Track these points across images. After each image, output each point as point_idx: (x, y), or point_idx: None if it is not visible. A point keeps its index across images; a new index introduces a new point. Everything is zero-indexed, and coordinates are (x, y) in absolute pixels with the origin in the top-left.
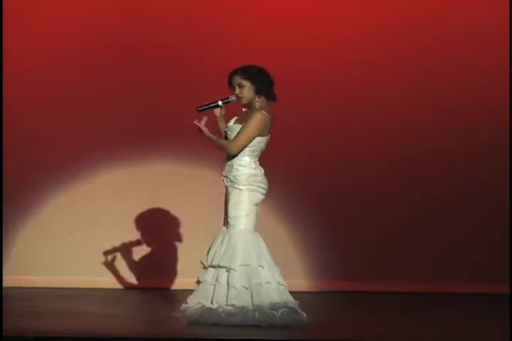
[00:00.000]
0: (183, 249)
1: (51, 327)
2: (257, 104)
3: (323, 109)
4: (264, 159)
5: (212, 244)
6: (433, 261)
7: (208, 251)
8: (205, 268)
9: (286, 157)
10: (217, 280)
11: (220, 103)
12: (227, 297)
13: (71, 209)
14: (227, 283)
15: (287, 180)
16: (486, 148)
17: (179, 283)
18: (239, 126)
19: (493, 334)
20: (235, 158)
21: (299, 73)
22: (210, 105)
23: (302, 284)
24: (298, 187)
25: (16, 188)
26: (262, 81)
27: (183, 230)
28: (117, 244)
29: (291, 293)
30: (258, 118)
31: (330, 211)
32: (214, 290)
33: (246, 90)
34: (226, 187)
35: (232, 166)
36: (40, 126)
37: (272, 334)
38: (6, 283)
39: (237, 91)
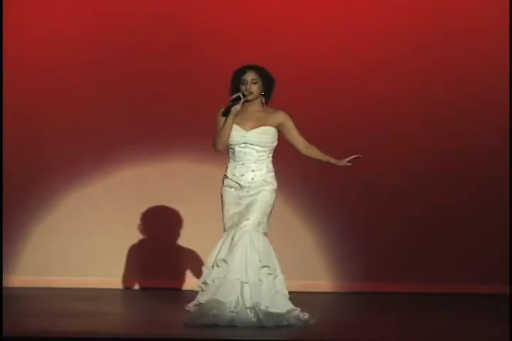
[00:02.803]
0: (198, 249)
1: (52, 328)
2: (262, 104)
3: (334, 109)
4: (286, 158)
5: (222, 244)
6: (433, 261)
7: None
8: (216, 266)
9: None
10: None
11: (241, 95)
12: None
13: (84, 210)
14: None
15: (309, 180)
16: (489, 151)
17: (191, 283)
18: (264, 128)
19: (493, 335)
20: (259, 161)
21: (304, 73)
22: (235, 102)
23: (324, 285)
24: (319, 187)
25: (31, 188)
26: (271, 83)
27: (199, 230)
28: (130, 244)
29: (314, 293)
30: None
31: (351, 211)
32: (252, 288)
33: (257, 87)
34: (245, 191)
35: (257, 170)
36: (56, 126)
37: (278, 335)
38: (14, 284)
39: (249, 86)
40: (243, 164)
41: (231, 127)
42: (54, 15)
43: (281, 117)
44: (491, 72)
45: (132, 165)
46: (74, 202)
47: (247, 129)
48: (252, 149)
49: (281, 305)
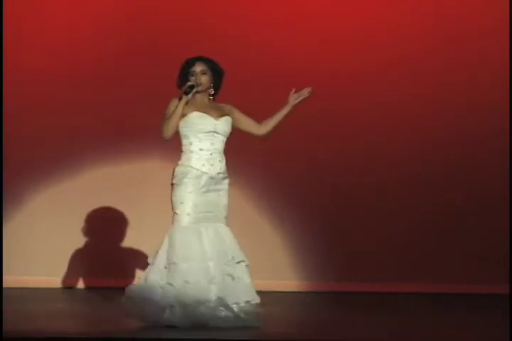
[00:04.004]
0: None
1: (50, 328)
2: (211, 97)
3: (332, 112)
4: (262, 159)
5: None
6: (433, 261)
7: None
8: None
9: (283, 158)
10: (235, 275)
11: (195, 84)
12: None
13: (55, 210)
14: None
15: (284, 180)
16: (489, 151)
17: None
18: (228, 118)
19: (493, 335)
20: (222, 152)
21: (311, 75)
22: (188, 90)
23: (292, 284)
24: (294, 189)
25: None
26: (220, 75)
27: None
28: (112, 242)
29: (281, 292)
30: None
31: (323, 211)
32: (230, 286)
33: (207, 78)
34: (214, 183)
35: (222, 160)
36: (32, 125)
37: (265, 335)
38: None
39: (199, 77)
40: (211, 154)
41: (179, 115)
42: (53, 15)
43: (230, 108)
44: (491, 72)
45: (109, 163)
46: (45, 202)
47: (216, 118)
48: (218, 139)
49: (244, 293)
